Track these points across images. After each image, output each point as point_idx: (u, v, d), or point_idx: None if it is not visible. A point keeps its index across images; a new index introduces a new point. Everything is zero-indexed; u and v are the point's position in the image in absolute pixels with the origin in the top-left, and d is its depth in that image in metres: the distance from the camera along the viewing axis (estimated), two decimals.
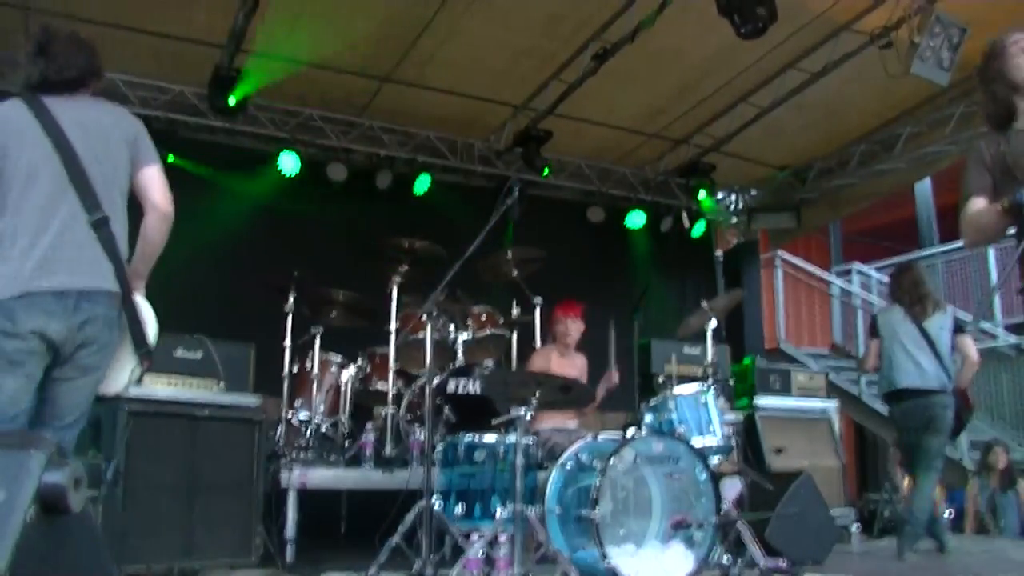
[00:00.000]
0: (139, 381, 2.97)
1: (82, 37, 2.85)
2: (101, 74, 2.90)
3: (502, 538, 3.35)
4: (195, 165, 6.43)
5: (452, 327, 5.26)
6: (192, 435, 4.21)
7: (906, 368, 5.11)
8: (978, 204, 2.55)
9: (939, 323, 5.17)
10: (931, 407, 5.05)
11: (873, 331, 5.39)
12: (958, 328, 5.28)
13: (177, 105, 6.43)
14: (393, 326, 5.18)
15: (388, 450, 4.97)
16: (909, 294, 5.26)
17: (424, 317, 4.01)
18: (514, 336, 5.65)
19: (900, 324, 5.22)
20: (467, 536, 3.63)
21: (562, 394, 3.89)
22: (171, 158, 6.00)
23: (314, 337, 5.26)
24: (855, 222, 10.97)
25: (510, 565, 3.33)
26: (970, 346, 5.26)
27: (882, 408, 9.06)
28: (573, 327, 5.13)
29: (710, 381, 4.37)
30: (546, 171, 7.22)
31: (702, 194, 7.92)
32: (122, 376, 2.83)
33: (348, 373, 5.30)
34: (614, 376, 5.03)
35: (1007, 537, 6.62)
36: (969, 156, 2.68)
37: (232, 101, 6.11)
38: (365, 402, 5.46)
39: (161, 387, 4.28)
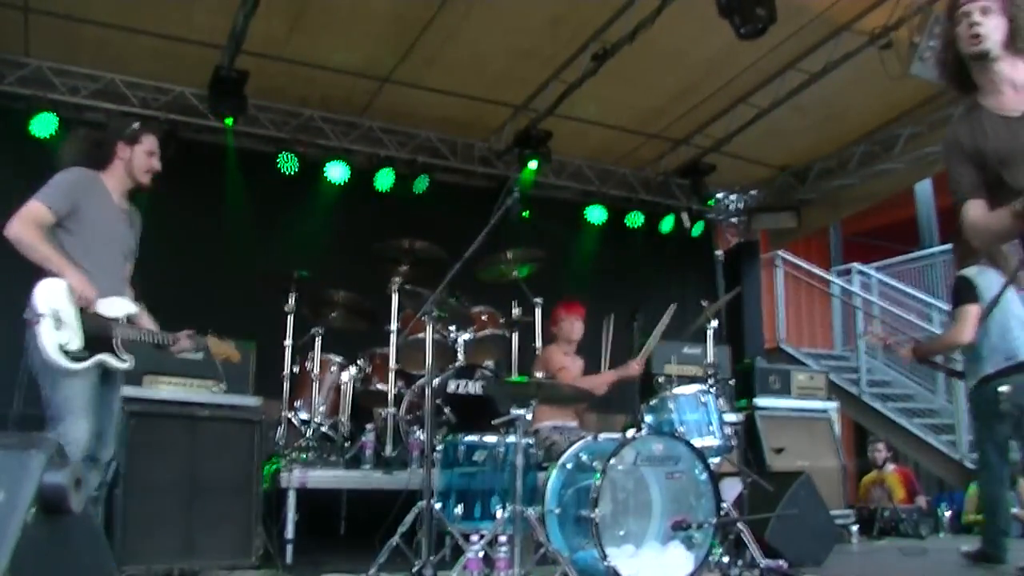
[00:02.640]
0: None
1: None
2: None
3: (502, 539, 3.34)
4: (195, 166, 6.43)
5: (452, 327, 5.26)
6: (192, 435, 4.21)
7: (1020, 337, 4.33)
8: (979, 208, 2.38)
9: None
10: None
11: (969, 296, 4.46)
12: None
13: (177, 106, 6.43)
14: (393, 327, 5.18)
15: (388, 451, 4.97)
16: (989, 253, 4.40)
17: (424, 317, 4.00)
18: (514, 336, 5.65)
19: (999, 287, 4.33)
20: (467, 537, 3.62)
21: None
22: (171, 158, 6.01)
23: (314, 337, 5.27)
24: (855, 222, 10.94)
25: (510, 566, 3.32)
26: None
27: (882, 408, 9.09)
28: (577, 326, 5.14)
29: (710, 381, 4.37)
30: (535, 160, 7.08)
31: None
32: None
33: (348, 374, 5.30)
34: (635, 366, 4.89)
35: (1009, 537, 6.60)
36: (947, 147, 2.49)
37: (229, 121, 6.18)
38: (365, 403, 5.46)
39: (161, 387, 4.29)
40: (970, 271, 4.52)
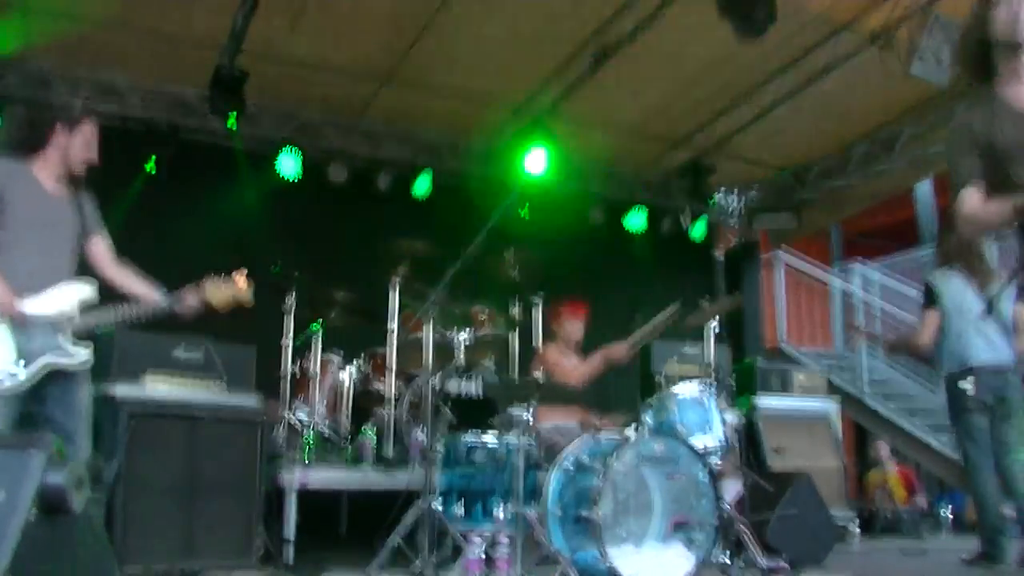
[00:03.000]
0: None
1: None
2: None
3: (502, 539, 3.35)
4: (195, 166, 6.43)
5: (452, 327, 5.26)
6: (192, 435, 4.21)
7: (976, 343, 4.50)
8: (975, 197, 2.36)
9: (1003, 292, 4.31)
10: (1008, 385, 4.44)
11: (930, 301, 4.67)
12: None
13: (177, 106, 6.43)
14: (393, 326, 5.18)
15: (388, 450, 4.97)
16: (965, 259, 4.61)
17: (423, 317, 4.01)
18: (514, 336, 5.65)
19: (964, 293, 4.57)
20: (467, 537, 3.63)
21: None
22: (171, 158, 6.02)
23: (314, 337, 5.27)
24: (855, 222, 10.94)
25: (510, 565, 3.32)
26: None
27: (883, 408, 9.09)
28: (577, 327, 5.15)
29: (710, 381, 4.37)
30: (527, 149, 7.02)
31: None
32: None
33: (348, 373, 5.30)
34: (619, 348, 4.89)
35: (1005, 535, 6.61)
36: (956, 134, 2.45)
37: (230, 122, 6.14)
38: (365, 402, 5.45)
39: (162, 387, 4.28)
40: (935, 277, 4.71)
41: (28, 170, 3.18)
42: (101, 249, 3.37)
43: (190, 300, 3.30)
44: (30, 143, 3.19)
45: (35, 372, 2.97)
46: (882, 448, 7.72)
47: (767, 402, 6.25)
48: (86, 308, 3.14)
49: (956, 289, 4.60)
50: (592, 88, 6.14)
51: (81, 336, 3.12)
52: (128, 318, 3.20)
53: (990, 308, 4.31)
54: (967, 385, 4.46)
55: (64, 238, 3.22)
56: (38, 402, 3.04)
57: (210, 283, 3.37)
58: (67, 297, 3.12)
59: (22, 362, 2.95)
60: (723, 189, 8.73)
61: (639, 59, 5.84)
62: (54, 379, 3.05)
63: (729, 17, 4.89)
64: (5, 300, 2.96)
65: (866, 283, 10.50)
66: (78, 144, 3.22)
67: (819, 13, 5.56)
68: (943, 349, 4.63)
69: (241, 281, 3.44)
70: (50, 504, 1.40)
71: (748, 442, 5.83)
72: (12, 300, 2.97)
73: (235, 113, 6.13)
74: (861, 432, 9.79)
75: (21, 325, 2.97)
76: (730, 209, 9.04)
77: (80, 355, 3.11)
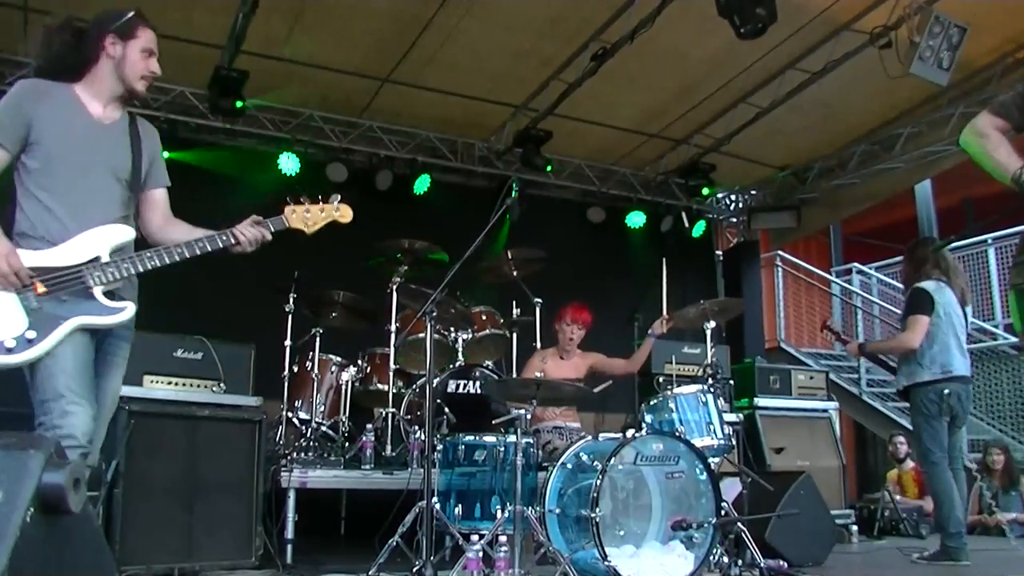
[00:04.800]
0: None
1: None
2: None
3: (502, 539, 3.34)
4: (195, 166, 6.43)
5: (452, 327, 5.26)
6: (192, 435, 4.20)
7: (955, 354, 4.82)
8: (995, 123, 2.57)
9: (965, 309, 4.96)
10: (969, 396, 4.89)
11: (925, 308, 4.84)
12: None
13: (177, 105, 6.43)
14: (393, 327, 5.18)
15: (388, 451, 4.97)
16: (950, 276, 4.94)
17: (423, 317, 4.00)
18: (514, 336, 5.65)
19: (953, 306, 4.88)
20: (467, 537, 3.62)
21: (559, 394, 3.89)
22: (171, 157, 6.00)
23: (314, 337, 5.27)
24: (855, 222, 10.97)
25: (510, 566, 3.32)
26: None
27: (882, 408, 9.09)
28: (576, 333, 5.18)
29: (710, 381, 4.37)
30: (548, 167, 7.23)
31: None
32: None
33: (348, 373, 5.30)
34: (620, 364, 5.13)
35: (1012, 536, 6.62)
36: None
37: (239, 104, 6.13)
38: (365, 402, 5.46)
39: (161, 388, 4.28)
40: (929, 285, 4.92)
41: (69, 92, 2.69)
42: (156, 200, 2.86)
43: (250, 234, 2.86)
44: (74, 60, 2.69)
45: (60, 337, 2.49)
46: (901, 444, 7.67)
47: (767, 402, 6.24)
48: (121, 254, 2.66)
49: (948, 301, 4.87)
50: (592, 88, 6.15)
51: (117, 288, 2.64)
52: (172, 261, 2.71)
53: (964, 320, 4.85)
54: (946, 391, 4.74)
55: (108, 172, 2.70)
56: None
57: (295, 210, 3.00)
58: (106, 241, 2.64)
59: (34, 327, 2.46)
60: (723, 189, 8.74)
61: (639, 59, 5.84)
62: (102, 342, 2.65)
63: (729, 17, 4.89)
64: (8, 265, 2.46)
65: (865, 283, 10.52)
66: (134, 55, 2.70)
67: (819, 13, 5.56)
68: (926, 355, 4.82)
69: (334, 204, 3.06)
70: (49, 504, 1.40)
71: (748, 442, 5.83)
72: (15, 266, 2.47)
73: (235, 112, 6.15)
74: (861, 432, 9.80)
75: (47, 277, 2.50)
76: (730, 209, 9.05)
77: (122, 309, 2.62)
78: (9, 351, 2.43)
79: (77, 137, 2.65)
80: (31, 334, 2.46)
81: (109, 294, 2.61)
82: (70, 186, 2.61)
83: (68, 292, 2.54)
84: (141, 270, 2.67)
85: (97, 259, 2.60)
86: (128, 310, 2.65)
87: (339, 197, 3.07)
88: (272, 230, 2.95)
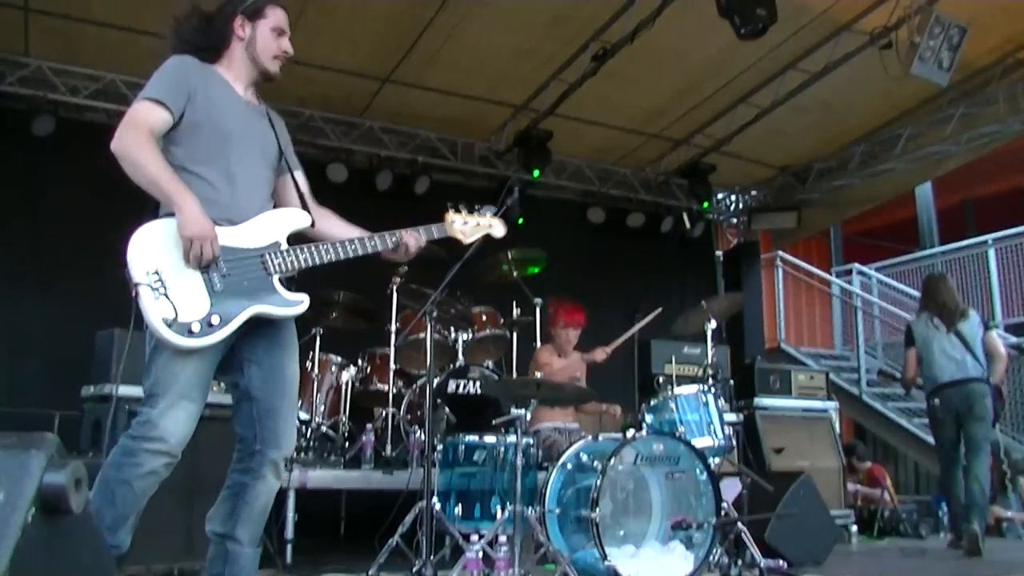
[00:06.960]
0: None
1: None
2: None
3: (502, 539, 3.34)
4: None
5: (452, 327, 5.26)
6: (193, 435, 4.19)
7: (944, 365, 5.43)
8: None
9: (969, 325, 5.50)
10: (971, 394, 5.31)
11: (909, 341, 5.68)
12: (985, 326, 5.59)
13: None
14: (393, 327, 5.18)
15: (388, 451, 4.97)
16: (938, 304, 5.59)
17: (423, 317, 4.00)
18: (514, 336, 5.65)
19: (931, 330, 5.54)
20: (467, 537, 3.63)
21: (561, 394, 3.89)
22: None
23: (314, 337, 5.27)
24: (855, 223, 10.96)
25: (510, 566, 3.32)
26: (997, 342, 5.60)
27: (882, 408, 9.10)
28: (572, 335, 5.16)
29: (710, 381, 4.37)
30: (536, 173, 7.18)
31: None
32: None
33: (348, 374, 5.30)
34: (600, 353, 4.90)
35: (1012, 536, 6.63)
36: None
37: None
38: (365, 403, 5.46)
39: None
40: (912, 319, 5.89)
41: (217, 73, 2.61)
42: (296, 183, 2.73)
43: (411, 241, 2.80)
44: (206, 43, 2.60)
45: (238, 325, 2.40)
46: (858, 447, 7.79)
47: (767, 402, 6.25)
48: (298, 242, 2.55)
49: (921, 328, 5.62)
50: (592, 88, 6.14)
51: (292, 277, 2.52)
52: (343, 258, 2.61)
53: (959, 336, 5.43)
54: (935, 401, 5.46)
55: (263, 159, 2.64)
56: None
57: (455, 217, 2.92)
58: (275, 229, 2.52)
59: (215, 315, 2.34)
60: (723, 189, 8.74)
61: (639, 59, 5.84)
62: (259, 330, 2.50)
63: (729, 17, 4.89)
64: (201, 229, 2.31)
65: (865, 284, 10.52)
66: (264, 35, 2.64)
67: (819, 13, 5.56)
68: (924, 377, 5.59)
69: (491, 219, 2.94)
70: (50, 504, 1.40)
71: (748, 442, 5.83)
72: (210, 228, 2.33)
73: None
74: (861, 432, 9.79)
75: (227, 260, 2.38)
76: (730, 209, 9.05)
77: (298, 301, 2.52)
78: (192, 334, 2.31)
79: (236, 114, 2.58)
80: (215, 319, 2.34)
81: (286, 283, 2.50)
82: (232, 163, 2.50)
83: (249, 277, 2.42)
84: (318, 263, 2.54)
85: (276, 244, 2.50)
86: (305, 303, 2.53)
87: (493, 209, 3.01)
88: (434, 236, 2.88)
